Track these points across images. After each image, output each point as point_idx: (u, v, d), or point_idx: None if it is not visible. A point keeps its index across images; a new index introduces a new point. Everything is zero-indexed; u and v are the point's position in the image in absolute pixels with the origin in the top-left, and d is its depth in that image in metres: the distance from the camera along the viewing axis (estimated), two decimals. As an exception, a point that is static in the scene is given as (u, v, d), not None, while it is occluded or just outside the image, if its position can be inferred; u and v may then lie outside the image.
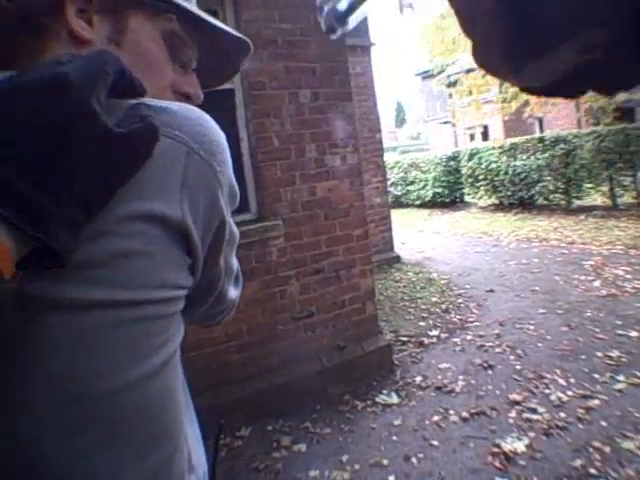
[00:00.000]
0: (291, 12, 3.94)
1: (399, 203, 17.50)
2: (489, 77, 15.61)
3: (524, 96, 15.44)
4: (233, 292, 0.93)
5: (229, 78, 1.02)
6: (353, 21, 0.47)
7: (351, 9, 0.45)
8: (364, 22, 8.16)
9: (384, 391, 4.10)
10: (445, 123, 29.18)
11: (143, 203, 0.57)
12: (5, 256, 0.43)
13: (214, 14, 3.88)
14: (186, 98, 0.81)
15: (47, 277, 0.51)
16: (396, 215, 12.32)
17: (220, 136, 0.68)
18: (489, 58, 0.30)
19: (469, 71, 16.27)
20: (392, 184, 16.96)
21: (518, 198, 13.25)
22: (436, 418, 3.63)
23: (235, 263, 0.89)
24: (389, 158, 18.18)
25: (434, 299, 6.54)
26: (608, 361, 4.16)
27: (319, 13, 0.48)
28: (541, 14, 0.25)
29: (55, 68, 0.50)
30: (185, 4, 0.77)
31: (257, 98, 3.89)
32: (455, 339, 5.10)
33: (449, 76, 19.18)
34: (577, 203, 12.17)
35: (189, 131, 0.63)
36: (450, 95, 20.05)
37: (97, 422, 0.57)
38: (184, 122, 0.63)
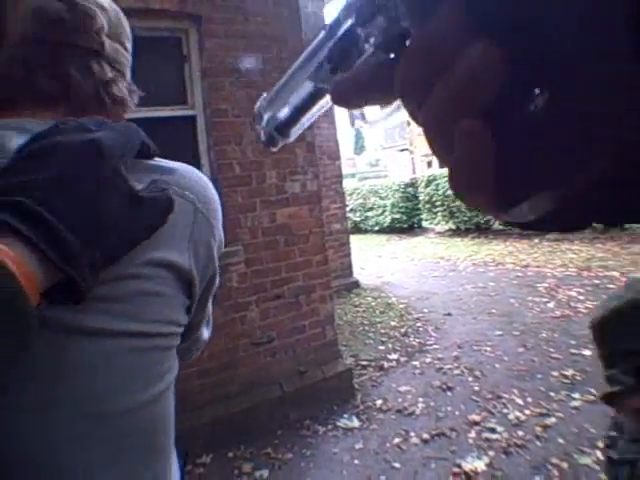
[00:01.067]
0: (253, 41, 4.02)
1: (358, 229, 17.61)
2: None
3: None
4: (206, 334, 1.01)
5: None
6: (296, 131, 0.43)
7: (294, 119, 0.41)
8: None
9: (345, 415, 4.11)
10: (403, 150, 29.63)
11: (159, 252, 0.66)
12: (33, 285, 0.47)
13: (178, 41, 3.93)
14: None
15: (65, 306, 0.56)
16: (355, 241, 12.41)
17: (216, 195, 0.80)
18: (472, 193, 0.23)
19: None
20: (351, 210, 17.08)
21: (474, 223, 13.49)
22: (397, 440, 3.66)
23: (210, 306, 0.95)
24: (348, 185, 18.34)
25: (393, 323, 6.59)
26: (563, 380, 4.26)
27: (257, 122, 0.45)
28: (532, 144, 0.21)
29: (88, 134, 0.58)
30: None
31: (219, 125, 3.93)
32: (414, 362, 5.15)
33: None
34: (531, 228, 12.44)
35: (196, 191, 0.74)
36: (408, 123, 20.41)
37: (109, 438, 0.62)
38: (191, 183, 0.74)
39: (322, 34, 0.35)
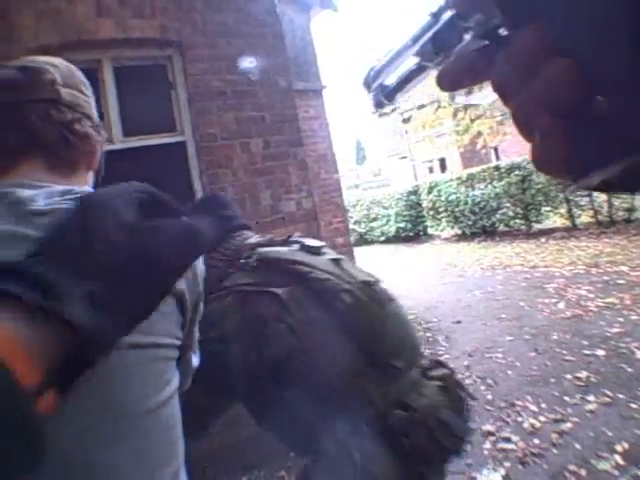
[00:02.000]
0: (238, 63, 4.01)
1: (364, 240, 17.59)
2: (440, 113, 16.03)
3: (476, 128, 15.83)
4: (195, 359, 1.10)
5: None
6: (399, 97, 0.50)
7: (399, 86, 0.48)
8: (314, 66, 8.31)
9: (358, 433, 4.04)
10: (403, 158, 29.66)
11: None
12: (22, 355, 0.41)
13: (163, 69, 3.92)
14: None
15: None
16: (361, 252, 12.37)
17: None
18: (550, 168, 0.31)
19: (420, 107, 16.65)
20: (355, 222, 17.08)
21: (480, 227, 13.46)
22: (411, 456, 3.58)
23: (197, 333, 1.06)
24: (351, 196, 18.36)
25: (403, 334, 6.51)
26: (578, 382, 4.19)
27: (366, 89, 0.51)
28: (596, 136, 0.28)
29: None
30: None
31: (209, 149, 3.92)
32: (426, 373, 5.07)
33: (402, 113, 19.57)
34: (537, 227, 12.41)
35: None
36: (406, 131, 20.46)
37: (128, 438, 0.73)
38: None
39: (428, 20, 0.42)
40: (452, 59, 0.38)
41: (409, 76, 0.46)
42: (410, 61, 0.45)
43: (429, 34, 0.41)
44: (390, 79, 0.47)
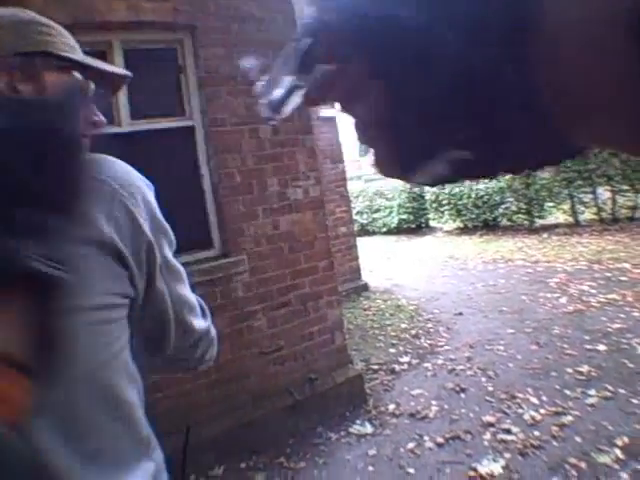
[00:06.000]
0: (248, 48, 3.99)
1: (366, 231, 17.56)
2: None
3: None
4: (201, 323, 1.10)
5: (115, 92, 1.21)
6: (288, 109, 0.50)
7: (282, 101, 0.49)
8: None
9: (357, 421, 4.07)
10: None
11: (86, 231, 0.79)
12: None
13: (173, 52, 3.91)
14: (94, 124, 1.01)
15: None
16: (363, 243, 12.37)
17: (138, 182, 0.94)
18: (387, 170, 0.36)
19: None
20: (358, 213, 17.05)
21: (482, 220, 13.43)
22: (411, 445, 3.61)
23: (192, 296, 1.08)
24: (354, 187, 18.31)
25: (403, 325, 6.55)
26: (578, 376, 4.20)
27: (258, 102, 0.52)
28: (409, 139, 0.33)
29: None
30: (80, 59, 1.00)
31: (218, 134, 3.91)
32: (426, 364, 5.10)
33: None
34: (540, 222, 12.37)
35: (116, 177, 0.90)
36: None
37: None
38: (111, 171, 0.90)
39: (293, 43, 0.43)
40: (311, 81, 0.41)
41: (289, 92, 0.47)
42: (287, 80, 0.47)
43: (296, 56, 0.44)
44: (276, 93, 0.49)
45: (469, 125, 0.30)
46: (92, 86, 1.02)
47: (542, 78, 0.26)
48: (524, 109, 0.28)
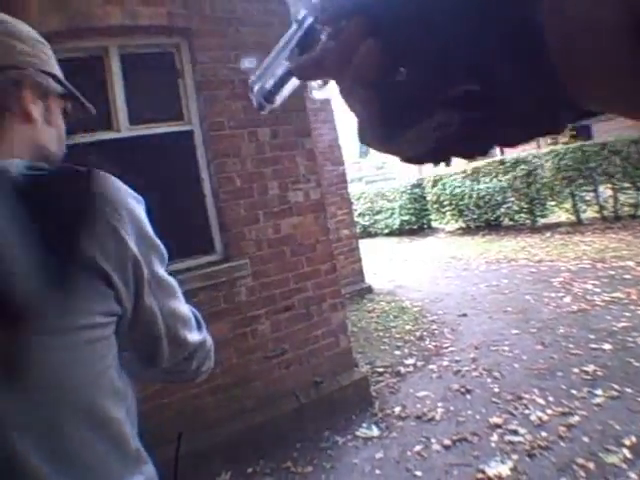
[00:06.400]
0: (246, 52, 3.97)
1: (368, 233, 17.56)
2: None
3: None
4: (195, 336, 1.08)
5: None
6: (279, 99, 0.54)
7: (276, 89, 0.52)
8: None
9: (364, 424, 4.04)
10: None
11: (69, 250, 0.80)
12: None
13: (170, 57, 3.90)
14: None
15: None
16: (365, 245, 12.36)
17: (125, 197, 0.91)
18: (370, 138, 0.37)
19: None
20: (359, 214, 17.04)
21: (484, 220, 13.40)
22: (418, 448, 3.58)
23: (185, 310, 1.06)
24: (355, 189, 18.30)
25: (408, 327, 6.52)
26: (585, 376, 4.17)
27: (250, 92, 0.55)
28: (399, 101, 0.33)
29: None
30: (72, 88, 1.04)
31: (216, 138, 3.89)
32: (431, 366, 5.07)
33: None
34: (542, 221, 12.35)
35: (101, 194, 0.87)
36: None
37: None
38: (99, 188, 0.87)
39: (294, 27, 0.46)
40: (305, 55, 0.43)
41: (283, 78, 0.50)
42: (283, 65, 0.49)
43: (295, 39, 0.47)
44: (269, 82, 0.52)
45: (470, 78, 0.30)
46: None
47: (546, 28, 0.26)
48: (527, 61, 0.28)
